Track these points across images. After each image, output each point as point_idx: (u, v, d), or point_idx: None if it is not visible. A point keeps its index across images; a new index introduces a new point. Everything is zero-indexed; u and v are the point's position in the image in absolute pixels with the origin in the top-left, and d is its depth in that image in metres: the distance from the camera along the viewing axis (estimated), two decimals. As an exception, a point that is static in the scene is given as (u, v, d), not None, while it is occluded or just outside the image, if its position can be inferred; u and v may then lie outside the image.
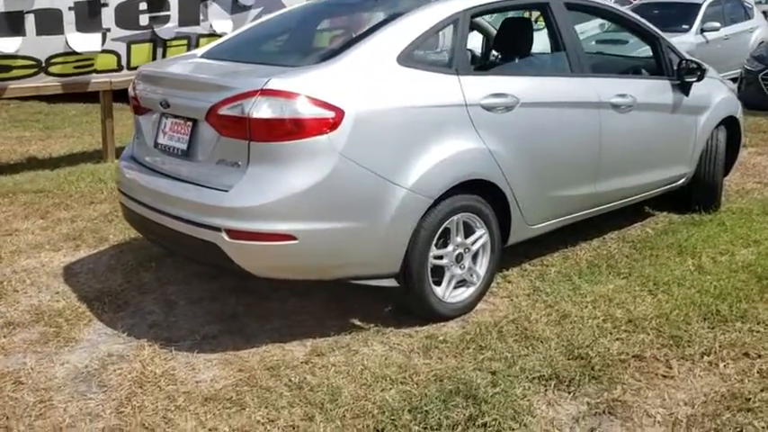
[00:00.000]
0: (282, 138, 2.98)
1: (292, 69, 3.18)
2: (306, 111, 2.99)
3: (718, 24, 10.34)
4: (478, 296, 3.67)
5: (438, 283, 3.51)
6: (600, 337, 3.32)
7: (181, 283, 4.06)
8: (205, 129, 3.19)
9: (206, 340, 3.44)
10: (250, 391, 2.99)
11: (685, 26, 10.22)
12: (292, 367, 3.15)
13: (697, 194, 5.17)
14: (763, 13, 12.73)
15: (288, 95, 2.97)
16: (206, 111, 3.13)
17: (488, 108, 3.52)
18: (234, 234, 3.02)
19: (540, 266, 4.20)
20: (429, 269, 3.41)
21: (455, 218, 3.45)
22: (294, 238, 3.03)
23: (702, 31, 10.23)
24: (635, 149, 4.46)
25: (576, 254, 4.40)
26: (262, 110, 2.97)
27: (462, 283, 3.63)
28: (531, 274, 4.09)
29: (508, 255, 4.03)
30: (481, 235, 3.61)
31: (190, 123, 3.28)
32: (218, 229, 3.03)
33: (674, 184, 4.97)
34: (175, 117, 3.37)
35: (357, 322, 3.57)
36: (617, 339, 3.32)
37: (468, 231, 3.58)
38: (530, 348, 3.24)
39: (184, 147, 3.29)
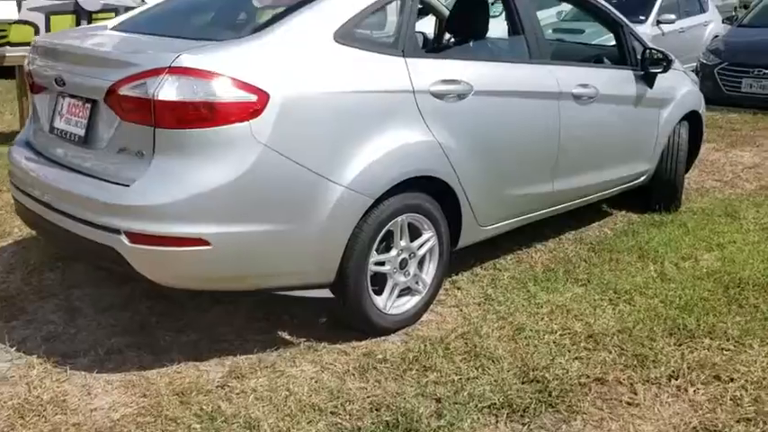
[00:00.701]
0: (194, 124, 2.52)
1: (209, 44, 2.71)
2: (223, 93, 2.54)
3: (673, 16, 10.13)
4: (424, 306, 3.29)
5: (379, 293, 3.11)
6: (557, 355, 2.97)
7: (89, 287, 3.56)
8: (105, 111, 2.70)
9: (109, 356, 2.97)
10: (153, 422, 2.54)
11: (642, 17, 9.98)
12: (206, 392, 2.71)
13: (657, 193, 4.87)
14: (717, 7, 12.64)
15: (201, 74, 2.51)
16: (105, 90, 2.64)
17: (438, 95, 3.11)
18: (135, 237, 2.56)
19: (493, 270, 3.83)
20: (369, 277, 3.01)
21: (399, 219, 3.05)
22: (206, 243, 2.58)
23: (658, 22, 10.02)
24: (596, 144, 4.13)
25: (530, 257, 4.05)
26: (169, 91, 2.50)
27: (406, 291, 3.24)
28: (483, 279, 3.72)
29: (458, 258, 3.65)
30: (428, 238, 3.22)
31: (89, 105, 2.79)
32: (116, 231, 2.56)
33: (634, 182, 4.66)
34: (73, 97, 2.87)
35: (286, 336, 3.14)
36: (576, 358, 2.97)
37: (414, 234, 3.18)
38: (480, 369, 2.86)
39: (82, 132, 2.80)
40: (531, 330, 3.16)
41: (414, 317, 3.24)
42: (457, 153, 3.20)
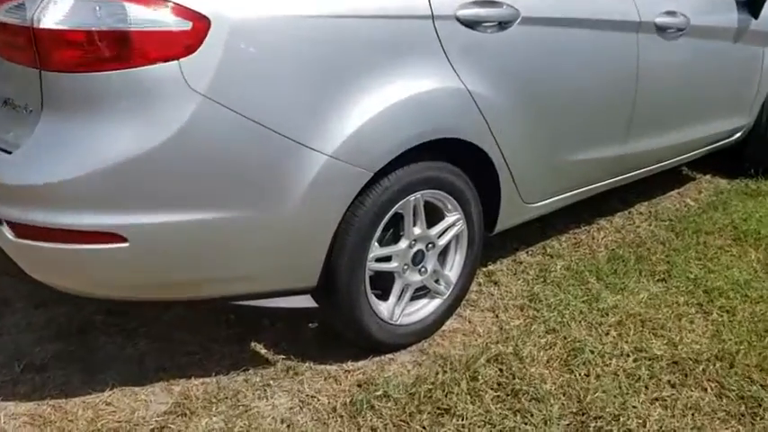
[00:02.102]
0: (96, 66, 1.70)
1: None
2: (139, 18, 1.69)
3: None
4: (447, 311, 2.46)
5: (383, 297, 2.29)
6: (630, 394, 2.11)
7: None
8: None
9: (27, 374, 2.24)
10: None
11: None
12: (134, 440, 1.96)
13: (753, 154, 3.89)
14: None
15: (101, -11, 1.68)
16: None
17: (469, 23, 2.20)
18: (20, 230, 1.78)
19: (542, 257, 2.96)
20: (367, 278, 2.18)
21: (412, 198, 2.20)
22: (122, 240, 1.78)
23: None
24: (683, 92, 3.16)
25: (591, 238, 3.16)
26: (56, 14, 1.67)
27: (423, 292, 2.41)
28: (528, 270, 2.85)
29: (496, 240, 2.80)
30: (453, 222, 2.36)
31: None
32: (-6, 220, 1.79)
33: (726, 141, 3.68)
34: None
35: (261, 350, 2.36)
36: (656, 400, 2.11)
37: (434, 218, 2.33)
38: (519, 415, 2.03)
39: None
40: (592, 352, 2.30)
41: (432, 326, 2.42)
42: (494, 105, 2.31)
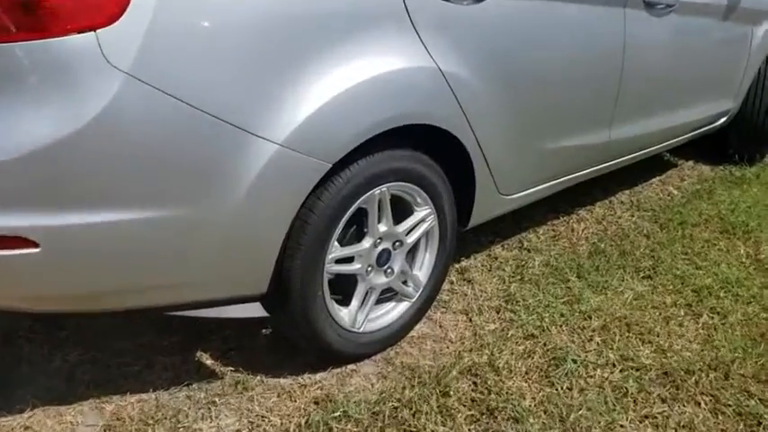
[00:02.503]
0: (-6, 36, 1.41)
1: None
2: (47, -21, 1.41)
3: None
4: (416, 315, 2.22)
5: (345, 302, 2.05)
6: (617, 411, 1.91)
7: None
8: None
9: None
10: None
11: None
12: (53, 474, 1.70)
13: (738, 139, 3.71)
14: None
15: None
16: None
17: (443, -6, 1.95)
18: None
19: (518, 251, 2.74)
20: (326, 282, 1.94)
21: (376, 192, 1.95)
22: (32, 245, 1.51)
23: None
24: (671, 73, 2.94)
25: (571, 230, 2.94)
26: (-58, -28, 1.38)
27: (389, 295, 2.17)
28: (505, 266, 2.62)
29: (469, 232, 2.56)
30: (424, 217, 2.12)
31: None
32: None
33: (712, 125, 3.49)
34: None
35: (208, 361, 2.10)
36: (646, 417, 1.90)
37: (402, 213, 2.09)
38: (495, 438, 1.82)
39: None
40: (575, 362, 2.09)
41: (399, 332, 2.19)
42: (469, 86, 2.06)
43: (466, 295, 2.43)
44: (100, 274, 1.64)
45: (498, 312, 2.34)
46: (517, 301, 2.38)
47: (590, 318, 2.30)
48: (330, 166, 1.78)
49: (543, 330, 2.23)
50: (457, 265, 2.60)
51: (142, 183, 1.58)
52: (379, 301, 2.14)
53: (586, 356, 2.11)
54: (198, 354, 2.13)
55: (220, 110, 1.59)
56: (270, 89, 1.65)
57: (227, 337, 2.19)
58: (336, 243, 1.93)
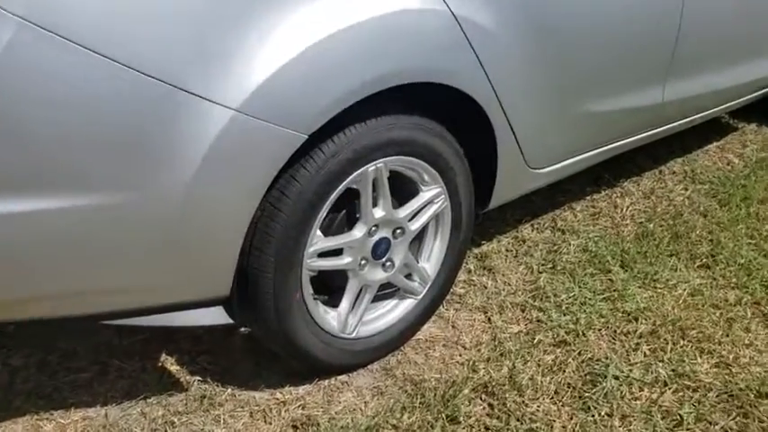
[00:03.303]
0: None
1: None
2: None
3: None
4: (423, 315, 1.84)
5: (334, 301, 1.68)
6: (670, 447, 1.52)
7: None
8: None
9: None
10: None
11: None
12: None
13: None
14: None
15: None
16: None
17: None
18: None
19: (551, 233, 2.33)
20: (306, 280, 1.56)
21: (370, 169, 1.55)
22: None
23: None
24: (736, 24, 2.46)
25: (614, 207, 2.52)
26: None
27: (390, 290, 1.79)
28: (533, 251, 2.22)
29: (492, 209, 2.16)
30: (432, 198, 1.72)
31: None
32: None
33: (780, 84, 2.99)
34: None
35: (172, 368, 1.76)
36: (709, 458, 1.52)
37: (405, 192, 1.69)
38: (513, 483, 1.44)
39: None
40: (616, 378, 1.69)
41: (401, 336, 1.81)
42: (491, 36, 1.64)
43: (485, 288, 2.04)
44: (20, 277, 1.29)
45: (524, 311, 1.95)
46: (547, 297, 1.99)
47: (635, 320, 1.90)
48: (306, 137, 1.39)
49: (578, 336, 1.84)
50: (476, 250, 2.20)
51: (54, 162, 1.21)
52: (377, 299, 1.76)
53: (631, 371, 1.72)
54: (162, 358, 1.79)
55: (155, 66, 1.21)
56: (220, 36, 1.26)
57: (199, 339, 1.84)
58: (319, 233, 1.55)
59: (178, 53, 1.24)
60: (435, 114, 1.65)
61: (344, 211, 1.62)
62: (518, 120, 1.80)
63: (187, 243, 1.37)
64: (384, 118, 1.54)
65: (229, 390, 1.69)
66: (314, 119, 1.38)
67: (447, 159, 1.69)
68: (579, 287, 2.02)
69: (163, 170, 1.29)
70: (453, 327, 1.90)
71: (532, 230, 2.34)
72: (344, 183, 1.52)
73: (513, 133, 1.81)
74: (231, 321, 1.51)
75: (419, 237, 1.79)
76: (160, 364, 1.78)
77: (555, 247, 2.23)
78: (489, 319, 1.92)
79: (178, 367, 1.76)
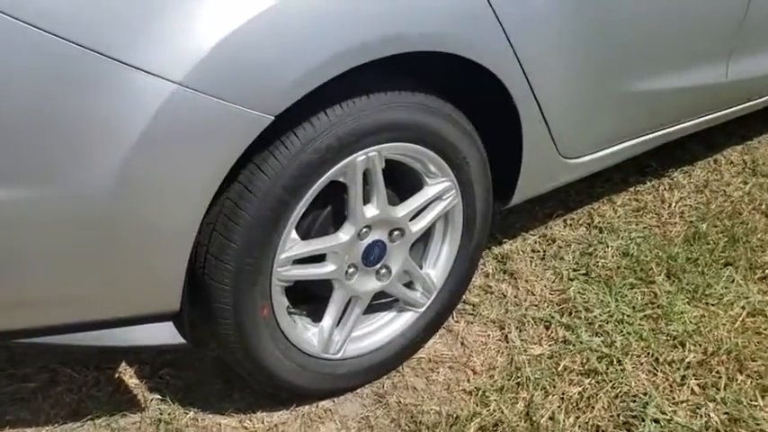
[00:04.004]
0: None
1: None
2: None
3: None
4: (426, 330, 1.55)
5: (315, 316, 1.40)
6: None
7: None
8: None
9: None
10: None
11: None
12: None
13: None
14: None
15: None
16: None
17: None
18: None
19: (586, 230, 2.01)
20: (277, 292, 1.28)
21: (360, 158, 1.25)
22: None
23: None
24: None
25: (661, 201, 2.18)
26: None
27: (387, 301, 1.50)
28: (565, 252, 1.90)
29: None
30: (440, 194, 1.42)
31: None
32: None
33: None
34: None
35: (130, 381, 1.51)
36: None
37: (407, 187, 1.40)
38: None
39: None
40: (657, 422, 1.38)
41: (400, 355, 1.52)
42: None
43: (504, 297, 1.74)
44: None
45: (548, 328, 1.64)
46: (577, 312, 1.68)
47: (682, 346, 1.58)
48: (271, 119, 1.09)
49: (612, 363, 1.53)
50: (496, 249, 1.90)
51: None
52: (370, 310, 1.48)
53: (675, 413, 1.41)
54: (120, 369, 1.54)
55: (67, 25, 0.93)
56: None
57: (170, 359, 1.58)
58: (295, 235, 1.26)
59: (102, 16, 0.95)
60: (445, 92, 1.34)
61: (330, 209, 1.33)
62: (549, 100, 1.48)
63: (122, 246, 1.10)
64: (377, 96, 1.23)
65: (192, 413, 1.43)
66: (281, 96, 1.09)
67: (458, 147, 1.38)
68: (616, 301, 1.71)
69: (87, 158, 1.01)
70: (463, 344, 1.61)
71: (564, 227, 2.02)
72: (326, 175, 1.23)
73: (543, 116, 1.49)
74: (183, 342, 1.24)
75: (424, 238, 1.49)
76: (117, 375, 1.53)
77: (590, 249, 1.91)
78: (506, 336, 1.62)
79: (136, 381, 1.51)
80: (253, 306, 1.24)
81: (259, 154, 1.16)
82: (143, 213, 1.08)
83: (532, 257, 1.88)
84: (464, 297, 1.68)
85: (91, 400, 1.46)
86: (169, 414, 1.43)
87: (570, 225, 2.04)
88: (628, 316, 1.66)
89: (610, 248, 1.91)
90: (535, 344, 1.59)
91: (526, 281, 1.79)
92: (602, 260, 1.86)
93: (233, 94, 1.04)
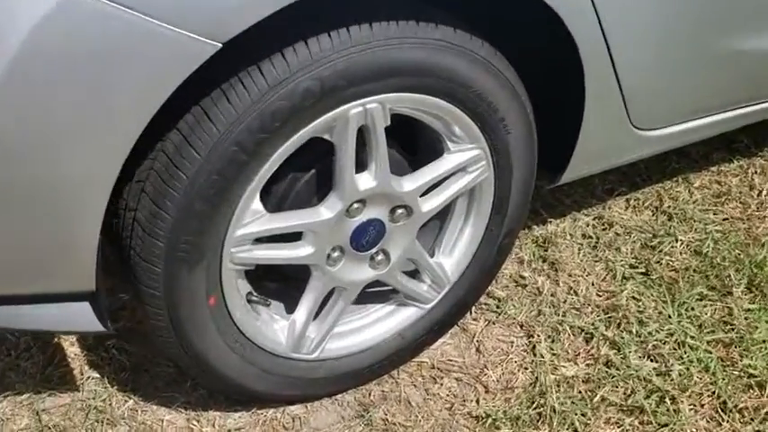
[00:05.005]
0: None
1: None
2: None
3: None
4: (431, 331, 1.23)
5: (289, 304, 1.10)
6: None
7: None
8: None
9: None
10: None
11: None
12: None
13: None
14: None
15: None
16: None
17: None
18: None
19: (651, 215, 1.63)
20: (229, 279, 0.98)
21: (353, 111, 0.92)
22: None
23: None
24: None
25: (749, 188, 1.76)
26: None
27: (382, 290, 1.19)
28: (621, 241, 1.53)
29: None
30: (465, 165, 1.07)
31: None
32: None
33: None
34: None
35: (69, 351, 1.25)
36: None
37: (424, 149, 1.07)
38: None
39: None
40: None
41: (392, 360, 1.21)
42: None
43: (538, 294, 1.40)
44: None
45: (588, 341, 1.31)
46: (628, 323, 1.33)
47: (761, 388, 1.23)
48: (218, 46, 0.77)
49: (663, 400, 1.19)
50: (537, 230, 1.55)
51: None
52: (362, 299, 1.17)
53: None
54: (68, 355, 1.28)
55: None
56: None
57: (121, 309, 1.31)
58: (259, 206, 0.95)
59: None
60: (479, 30, 0.99)
61: (313, 173, 1.01)
62: (627, 52, 1.10)
63: (17, 202, 0.81)
64: (383, 27, 0.89)
65: (132, 401, 1.17)
66: (232, 15, 0.75)
67: (495, 104, 1.03)
68: (679, 315, 1.35)
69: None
70: (478, 350, 1.29)
71: (626, 209, 1.65)
72: (302, 131, 0.90)
73: (616, 72, 1.12)
74: (102, 329, 0.95)
75: (440, 216, 1.16)
76: (56, 339, 1.27)
77: (654, 241, 1.54)
78: (534, 346, 1.29)
79: (77, 351, 1.25)
80: (192, 294, 0.94)
81: (207, 95, 0.84)
82: (36, 158, 0.78)
83: (581, 245, 1.53)
84: (488, 289, 1.35)
85: (17, 370, 1.21)
86: (104, 400, 1.17)
87: (634, 207, 1.66)
88: (692, 337, 1.30)
89: (679, 243, 1.54)
90: (569, 361, 1.26)
91: (569, 275, 1.45)
92: (668, 257, 1.50)
93: (157, 6, 0.72)
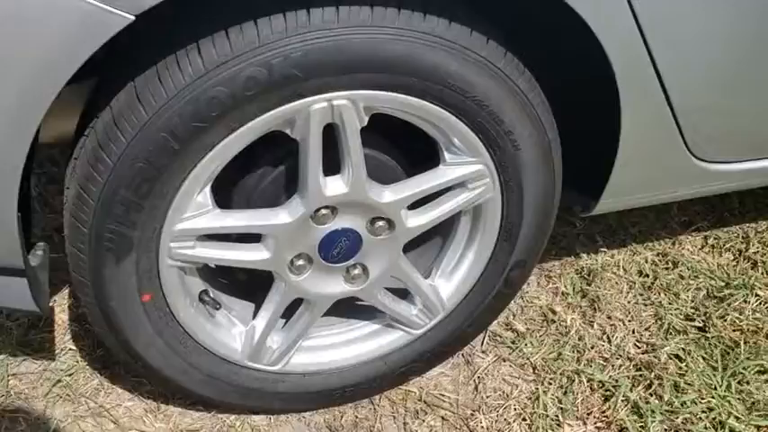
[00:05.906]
0: None
1: None
2: None
3: None
4: (420, 362, 1.09)
5: (254, 305, 1.01)
6: None
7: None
8: None
9: None
10: None
11: None
12: None
13: None
14: None
15: None
16: None
17: None
18: None
19: (732, 259, 1.39)
20: (168, 278, 0.89)
21: (315, 106, 0.80)
22: None
23: None
24: None
25: None
26: None
27: (367, 305, 1.06)
28: (681, 287, 1.31)
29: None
30: (463, 180, 0.92)
31: None
32: None
33: None
34: None
35: (59, 318, 1.23)
36: None
37: (425, 152, 0.93)
38: None
39: None
40: None
41: (371, 386, 1.09)
42: None
43: (565, 333, 1.21)
44: None
45: (606, 400, 1.11)
46: (660, 386, 1.12)
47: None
48: (131, 19, 0.67)
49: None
50: (585, 258, 1.35)
51: None
52: (342, 313, 1.05)
53: None
54: (57, 297, 1.26)
55: None
56: None
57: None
58: (206, 200, 0.85)
59: None
60: (492, 21, 0.83)
61: (282, 170, 0.90)
62: (674, 58, 0.90)
63: None
64: (349, 11, 0.76)
65: (96, 381, 1.13)
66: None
67: (499, 114, 0.87)
68: (728, 387, 1.12)
69: None
70: (476, 389, 1.13)
71: (701, 248, 1.41)
72: (251, 123, 0.79)
73: (662, 85, 0.92)
74: (35, 309, 0.90)
75: (442, 233, 1.02)
76: (51, 304, 1.25)
77: (724, 292, 1.30)
78: (538, 397, 1.11)
79: (64, 318, 1.22)
80: (120, 288, 0.86)
81: (140, 75, 0.75)
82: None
83: (633, 284, 1.32)
84: (508, 320, 1.20)
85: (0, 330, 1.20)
86: (71, 375, 1.13)
87: (712, 247, 1.42)
88: (737, 418, 1.08)
89: (755, 298, 1.30)
90: (577, 420, 1.08)
91: (608, 317, 1.25)
92: (735, 314, 1.26)
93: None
